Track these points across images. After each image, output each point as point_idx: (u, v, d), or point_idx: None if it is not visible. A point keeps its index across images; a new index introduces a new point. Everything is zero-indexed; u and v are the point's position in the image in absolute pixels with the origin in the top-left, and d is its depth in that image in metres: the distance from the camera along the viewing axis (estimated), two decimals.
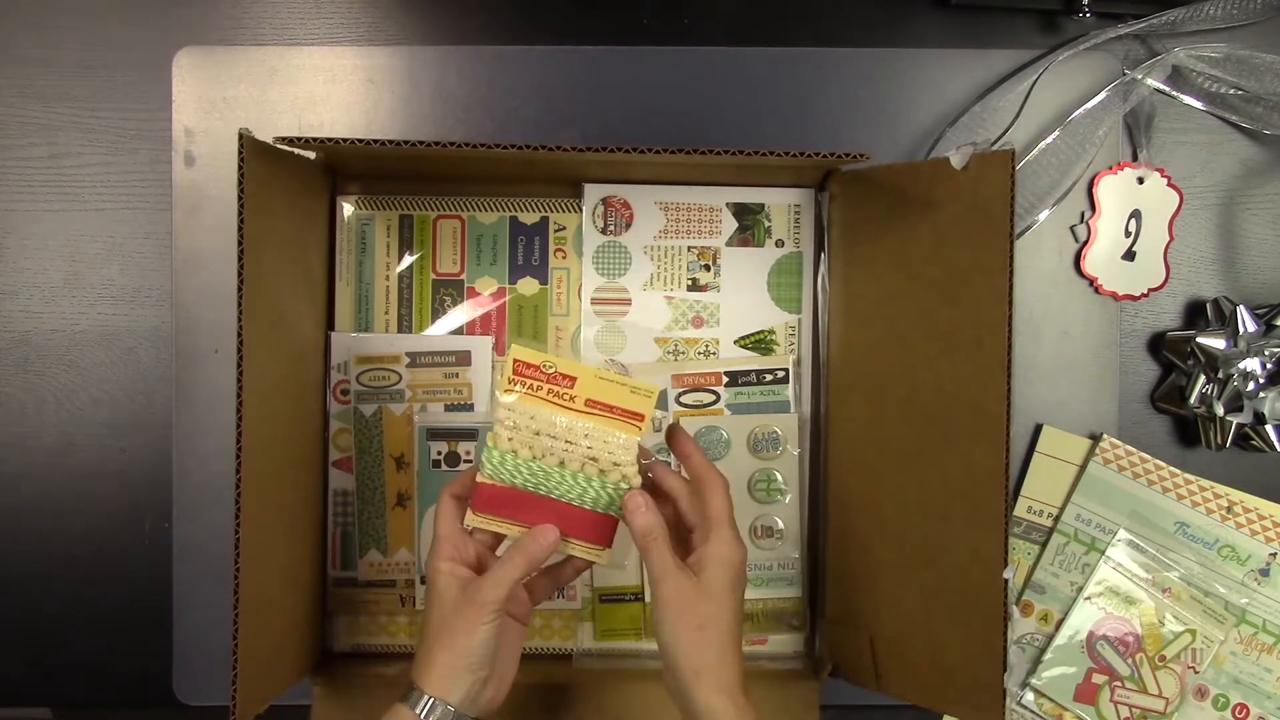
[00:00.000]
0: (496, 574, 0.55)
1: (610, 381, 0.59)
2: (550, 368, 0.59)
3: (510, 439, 0.58)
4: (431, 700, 0.54)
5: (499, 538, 0.59)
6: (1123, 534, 0.71)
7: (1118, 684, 0.71)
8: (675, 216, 0.71)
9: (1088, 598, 0.71)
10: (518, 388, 0.59)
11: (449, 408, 0.70)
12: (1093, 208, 0.73)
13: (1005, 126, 0.71)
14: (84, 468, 0.72)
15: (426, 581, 0.57)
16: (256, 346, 0.56)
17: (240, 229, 0.53)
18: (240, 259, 0.54)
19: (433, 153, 0.58)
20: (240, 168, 0.53)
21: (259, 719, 0.59)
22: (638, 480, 0.58)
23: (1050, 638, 0.72)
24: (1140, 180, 0.72)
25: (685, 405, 0.71)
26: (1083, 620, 0.71)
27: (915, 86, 0.72)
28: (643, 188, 0.71)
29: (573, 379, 0.59)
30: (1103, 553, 0.71)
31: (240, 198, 0.53)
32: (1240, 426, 0.70)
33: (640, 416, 0.59)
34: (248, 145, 0.54)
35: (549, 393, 0.59)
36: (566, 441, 0.58)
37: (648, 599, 0.71)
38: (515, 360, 0.59)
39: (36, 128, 0.72)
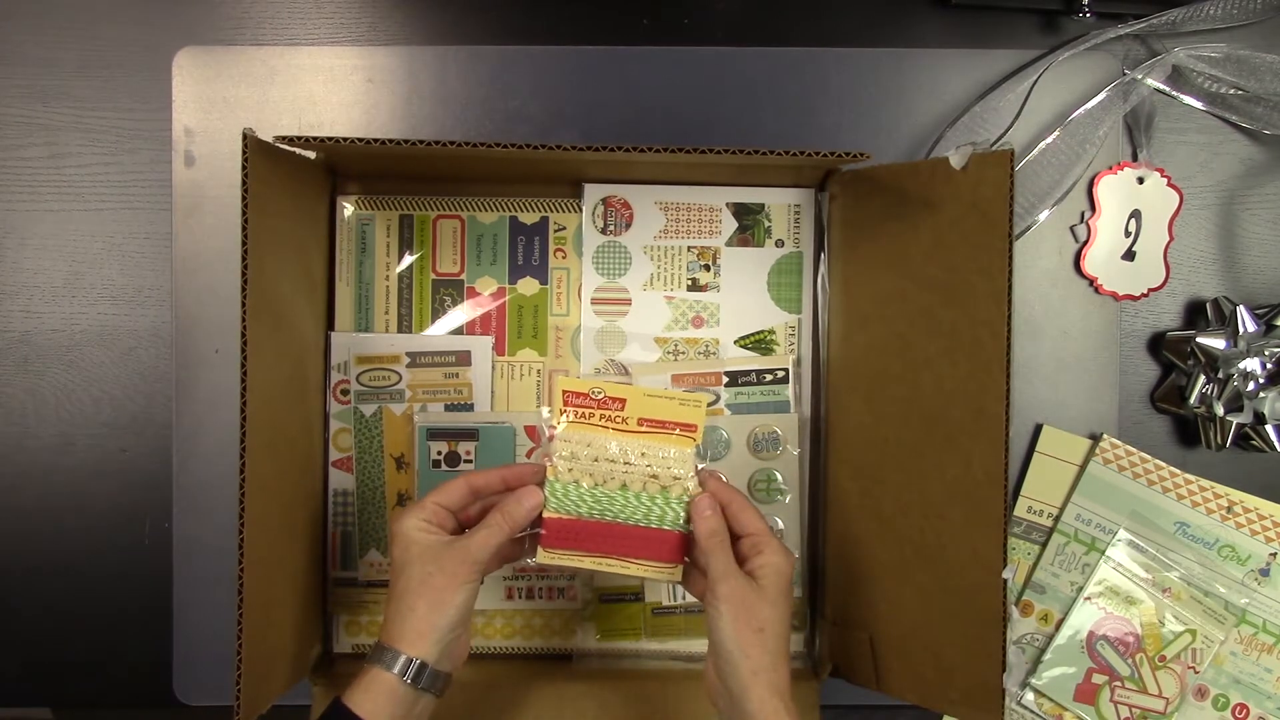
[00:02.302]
0: (482, 537, 0.56)
1: (659, 397, 0.61)
2: (599, 393, 0.60)
3: (570, 469, 0.59)
4: (409, 659, 0.54)
5: (482, 511, 0.59)
6: (1123, 534, 0.71)
7: (1118, 684, 0.71)
8: (675, 216, 0.71)
9: (1088, 598, 0.71)
10: (569, 418, 0.60)
11: (449, 408, 0.70)
12: (1093, 208, 0.73)
13: (1005, 126, 0.71)
14: (84, 468, 0.72)
15: (398, 540, 0.56)
16: (259, 347, 0.56)
17: (244, 229, 0.53)
18: (244, 259, 0.54)
19: (433, 153, 0.58)
20: (244, 167, 0.53)
21: (260, 719, 0.59)
22: (699, 491, 0.59)
23: (1050, 638, 0.72)
24: (1140, 180, 0.72)
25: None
26: (1083, 620, 0.71)
27: (915, 86, 0.72)
28: (643, 188, 0.71)
29: (623, 401, 0.60)
30: (1103, 553, 0.71)
31: (244, 197, 0.53)
32: (1240, 426, 0.70)
33: (693, 427, 0.60)
34: (252, 145, 0.54)
35: (601, 418, 0.60)
36: (625, 463, 0.59)
37: (649, 598, 0.71)
38: (564, 391, 0.60)
39: (36, 128, 0.72)
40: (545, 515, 0.59)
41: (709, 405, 0.71)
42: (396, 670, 0.54)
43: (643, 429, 0.61)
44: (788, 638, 0.56)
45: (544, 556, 0.59)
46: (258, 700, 0.57)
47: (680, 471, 0.59)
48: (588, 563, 0.59)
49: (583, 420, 0.61)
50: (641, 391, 0.61)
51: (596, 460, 0.59)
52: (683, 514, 0.59)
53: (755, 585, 0.56)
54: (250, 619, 0.55)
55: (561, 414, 0.61)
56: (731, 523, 0.59)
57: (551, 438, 0.60)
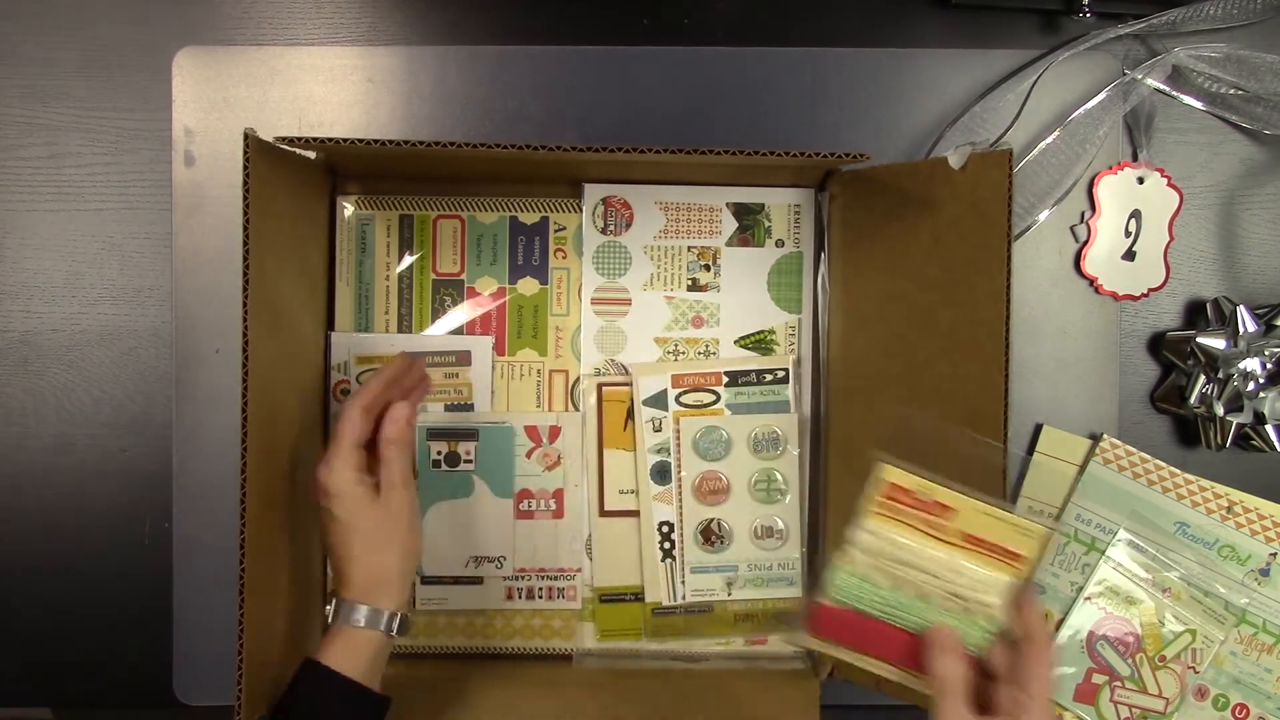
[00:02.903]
0: (402, 474, 0.58)
1: (994, 517, 0.56)
2: (927, 495, 0.56)
3: (868, 564, 0.56)
4: (391, 614, 0.56)
5: (375, 435, 0.60)
6: (1123, 534, 0.71)
7: (1118, 684, 0.71)
8: (675, 216, 0.71)
9: (1088, 598, 0.71)
10: (885, 512, 0.56)
11: (449, 408, 0.70)
12: (1093, 208, 0.73)
13: (1005, 126, 0.71)
14: (84, 468, 0.72)
15: (341, 500, 0.57)
16: (260, 347, 0.56)
17: (245, 229, 0.53)
18: (245, 259, 0.53)
19: (433, 153, 0.58)
20: (245, 168, 0.53)
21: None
22: (1002, 622, 0.55)
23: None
24: (1140, 180, 0.72)
25: (685, 405, 0.71)
26: (1083, 620, 0.71)
27: (915, 86, 0.72)
28: (643, 188, 0.71)
29: (952, 510, 0.56)
30: (1103, 553, 0.71)
31: (245, 198, 0.53)
32: (1240, 426, 0.70)
33: (1019, 557, 0.56)
34: (253, 145, 0.54)
35: (921, 521, 0.56)
36: (933, 575, 0.56)
37: (649, 598, 0.71)
38: (890, 483, 0.56)
39: (36, 128, 0.72)
40: (822, 600, 0.56)
41: (709, 405, 0.71)
42: (382, 627, 0.55)
43: (963, 544, 0.56)
44: None
45: (809, 642, 0.57)
46: (257, 701, 0.57)
47: (991, 599, 0.55)
48: (850, 656, 0.56)
49: (898, 518, 0.56)
50: (975, 505, 0.56)
51: (902, 564, 0.56)
52: (975, 638, 0.55)
53: None
54: (251, 619, 0.55)
55: (881, 506, 0.56)
56: (1018, 658, 0.53)
57: (857, 525, 0.57)
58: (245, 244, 0.53)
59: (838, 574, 0.56)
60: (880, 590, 0.56)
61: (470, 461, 0.70)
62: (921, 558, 0.56)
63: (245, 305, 0.54)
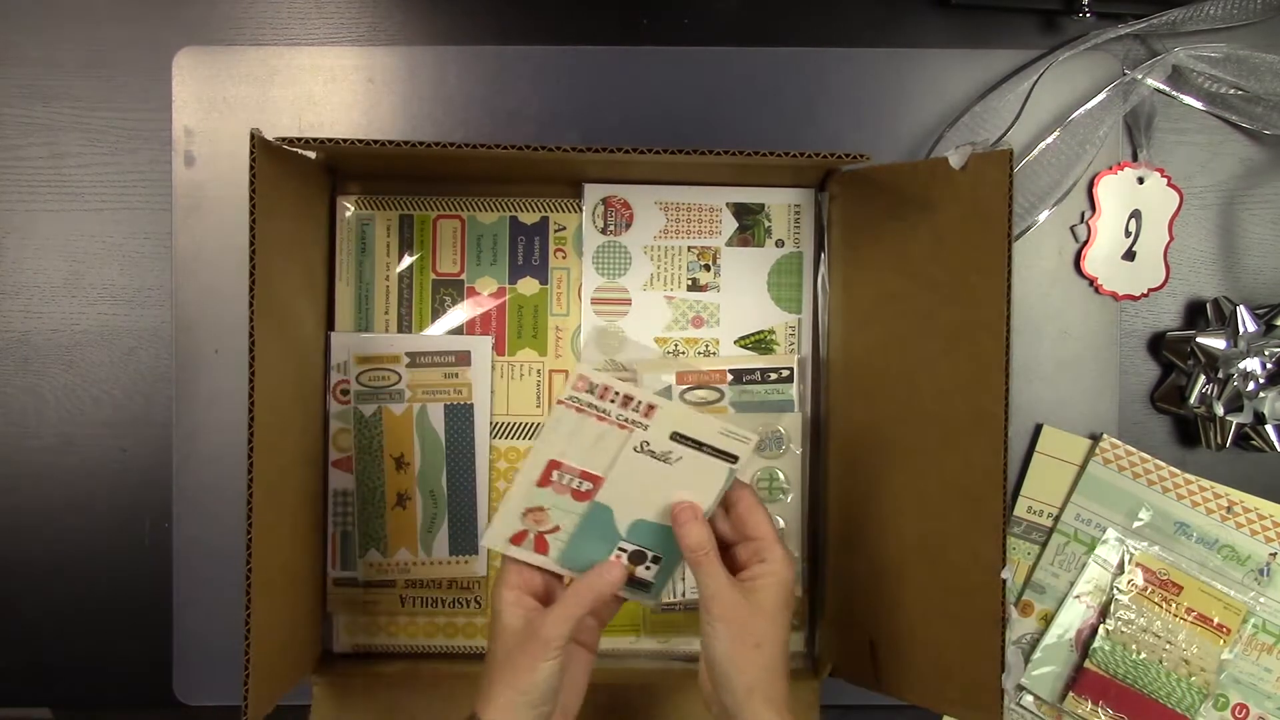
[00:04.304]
0: (561, 611, 0.54)
1: (1209, 594, 0.70)
2: (1164, 575, 0.70)
3: (1123, 633, 0.69)
4: None
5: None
6: (1111, 532, 0.71)
7: None
8: (675, 216, 0.71)
9: (1077, 596, 0.71)
10: (1137, 591, 0.70)
11: (449, 408, 0.70)
12: (1093, 208, 0.73)
13: (1005, 127, 0.71)
14: (84, 468, 0.72)
15: (493, 609, 0.56)
16: (266, 347, 0.55)
17: (252, 229, 0.53)
18: (252, 260, 0.53)
19: (433, 153, 0.58)
20: (252, 168, 0.53)
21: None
22: (1217, 687, 0.69)
23: (1040, 636, 0.72)
24: (1140, 180, 0.72)
25: (688, 403, 0.71)
26: (1071, 619, 0.71)
27: (915, 86, 0.72)
28: (643, 188, 0.71)
29: (1180, 587, 0.69)
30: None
31: (252, 198, 0.53)
32: (1240, 426, 0.70)
33: (1227, 630, 0.69)
34: (259, 146, 0.53)
35: (1159, 596, 0.69)
36: (1168, 642, 0.68)
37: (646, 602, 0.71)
38: (1138, 565, 0.70)
39: (36, 128, 0.72)
40: (1087, 666, 0.69)
41: (713, 403, 0.71)
42: None
43: (1185, 616, 0.69)
44: (786, 648, 0.55)
45: (1070, 702, 0.69)
46: (263, 701, 0.57)
47: (1208, 665, 0.68)
48: (1105, 716, 0.69)
49: (1144, 595, 0.69)
50: (1197, 585, 0.69)
51: (1145, 631, 0.69)
52: (1197, 704, 0.68)
53: (752, 598, 0.54)
54: (258, 620, 0.55)
55: (1130, 584, 0.70)
56: (737, 523, 0.57)
57: (1112, 600, 0.69)
58: (251, 245, 0.53)
59: (1100, 639, 0.68)
60: (1132, 657, 0.68)
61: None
62: (1158, 625, 0.69)
63: (252, 306, 0.53)
